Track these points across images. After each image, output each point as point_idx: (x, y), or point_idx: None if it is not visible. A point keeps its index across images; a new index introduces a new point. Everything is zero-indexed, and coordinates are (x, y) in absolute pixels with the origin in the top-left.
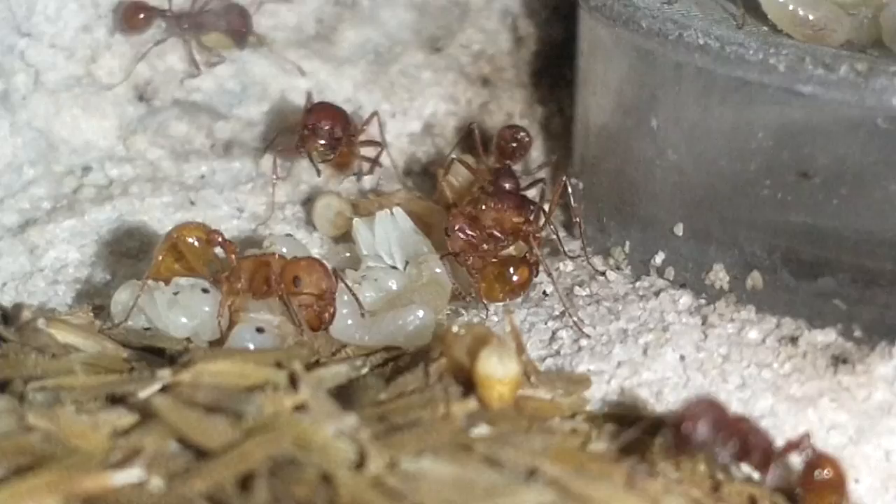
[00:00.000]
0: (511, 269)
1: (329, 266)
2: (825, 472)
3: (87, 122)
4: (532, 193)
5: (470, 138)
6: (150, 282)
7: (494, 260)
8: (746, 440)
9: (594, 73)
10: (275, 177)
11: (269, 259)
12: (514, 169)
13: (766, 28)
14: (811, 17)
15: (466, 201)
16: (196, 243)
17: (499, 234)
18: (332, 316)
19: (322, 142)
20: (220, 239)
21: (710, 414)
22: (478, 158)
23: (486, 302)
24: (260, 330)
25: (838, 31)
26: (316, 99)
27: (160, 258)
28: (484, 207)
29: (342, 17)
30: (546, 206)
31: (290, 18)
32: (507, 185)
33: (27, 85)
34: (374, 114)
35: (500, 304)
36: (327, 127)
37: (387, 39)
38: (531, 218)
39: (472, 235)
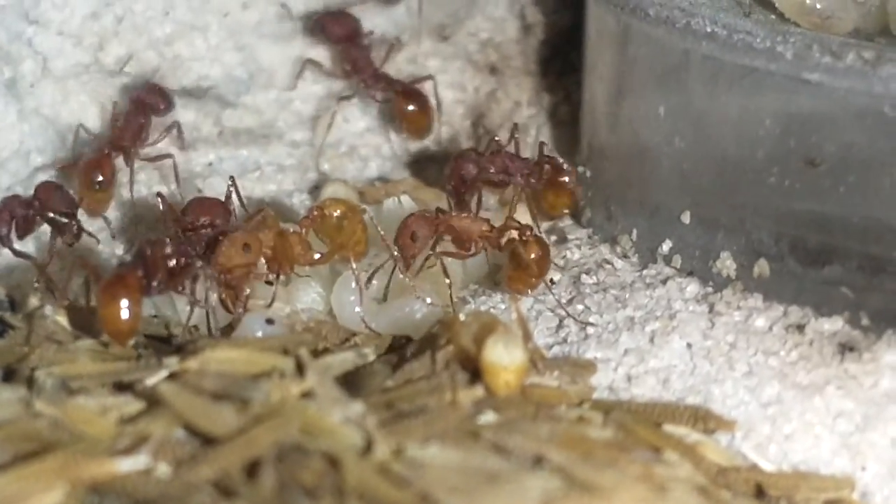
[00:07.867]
0: (521, 253)
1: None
2: None
3: (94, 110)
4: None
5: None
6: None
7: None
8: None
9: (602, 60)
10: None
11: None
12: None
13: (773, 16)
14: (818, 6)
15: None
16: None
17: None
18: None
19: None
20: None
21: None
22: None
23: (513, 293)
24: (270, 321)
25: (845, 19)
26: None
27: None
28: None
29: (350, 5)
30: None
31: (298, 6)
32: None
33: (35, 72)
34: None
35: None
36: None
37: (394, 27)
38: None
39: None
